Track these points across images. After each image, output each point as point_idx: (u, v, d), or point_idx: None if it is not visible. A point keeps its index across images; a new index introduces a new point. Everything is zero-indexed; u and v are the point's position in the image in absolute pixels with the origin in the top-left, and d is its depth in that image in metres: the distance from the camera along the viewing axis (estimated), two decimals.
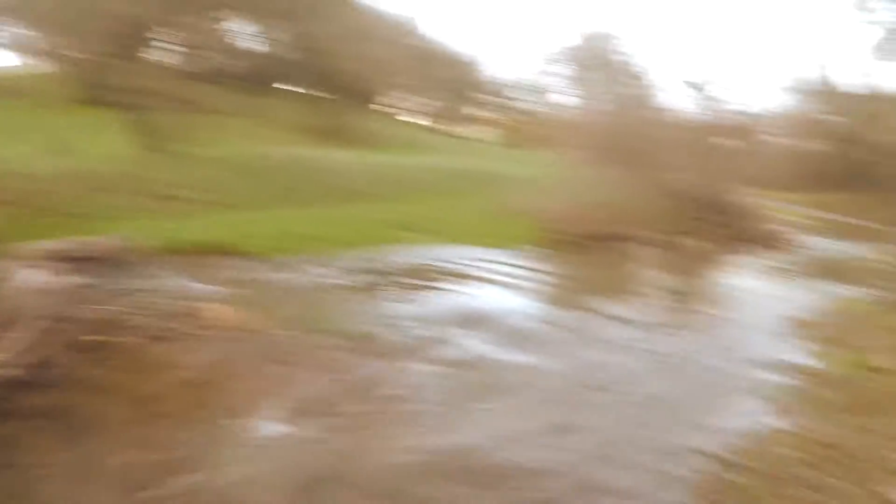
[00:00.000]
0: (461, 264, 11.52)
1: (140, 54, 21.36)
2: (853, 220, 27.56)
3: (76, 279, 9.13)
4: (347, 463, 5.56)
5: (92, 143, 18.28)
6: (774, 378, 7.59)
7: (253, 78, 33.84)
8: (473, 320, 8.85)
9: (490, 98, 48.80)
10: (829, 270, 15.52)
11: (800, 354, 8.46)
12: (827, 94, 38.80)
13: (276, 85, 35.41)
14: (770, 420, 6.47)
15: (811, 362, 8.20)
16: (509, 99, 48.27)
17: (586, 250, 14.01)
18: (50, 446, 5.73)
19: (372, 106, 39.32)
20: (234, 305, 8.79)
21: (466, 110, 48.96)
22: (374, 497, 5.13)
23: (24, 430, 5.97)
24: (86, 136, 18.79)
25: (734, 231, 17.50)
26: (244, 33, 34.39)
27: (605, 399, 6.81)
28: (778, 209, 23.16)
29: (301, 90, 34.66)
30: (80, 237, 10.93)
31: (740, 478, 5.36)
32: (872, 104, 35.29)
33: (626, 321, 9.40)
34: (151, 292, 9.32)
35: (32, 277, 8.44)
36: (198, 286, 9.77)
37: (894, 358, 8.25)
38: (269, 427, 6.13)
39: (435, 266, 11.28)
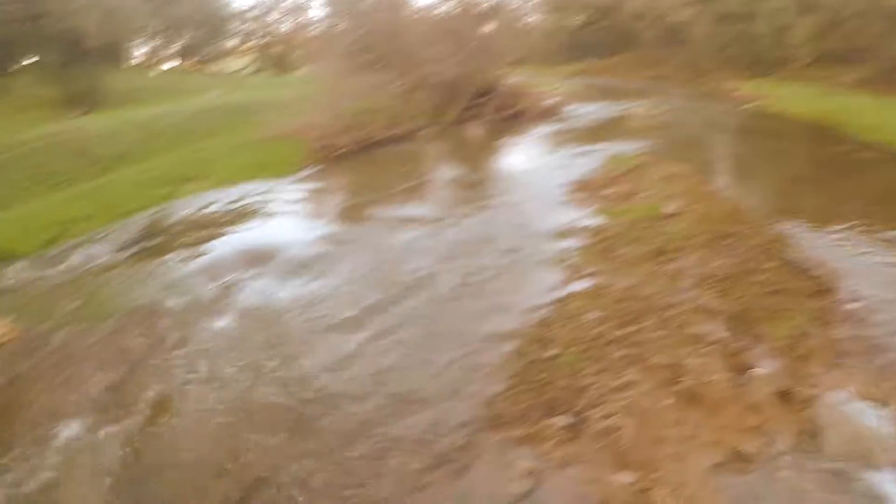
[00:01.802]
0: (238, 204, 11.01)
1: None
2: (619, 82, 29.04)
3: None
4: (160, 445, 5.26)
5: None
6: (569, 244, 7.79)
7: None
8: (261, 259, 8.44)
9: (244, 26, 46.52)
10: (603, 132, 16.24)
11: (590, 216, 8.75)
12: None
13: (9, 64, 31.58)
14: (568, 287, 6.62)
15: (602, 221, 8.49)
16: (264, 23, 46.24)
17: (359, 160, 13.81)
18: None
19: (120, 60, 36.27)
20: (13, 316, 7.87)
21: (222, 44, 46.44)
22: (189, 470, 4.93)
23: None
24: None
25: (507, 112, 17.81)
26: None
27: (405, 306, 6.72)
28: (547, 83, 23.92)
29: (38, 62, 31.13)
30: None
31: (550, 350, 5.44)
32: None
33: (411, 222, 9.32)
34: None
35: None
36: None
37: (679, 202, 8.70)
38: (76, 432, 5.62)
39: (212, 212, 10.71)
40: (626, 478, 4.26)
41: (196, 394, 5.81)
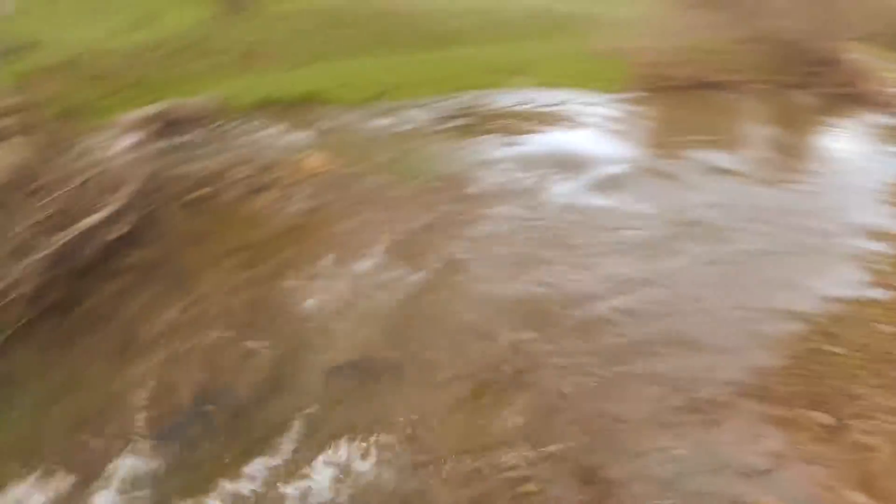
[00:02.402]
0: (556, 107, 11.29)
1: None
2: None
3: (172, 141, 9.43)
4: (436, 303, 5.81)
5: (170, 12, 18.22)
6: (876, 246, 7.19)
7: None
8: (569, 164, 8.71)
9: None
10: None
11: None
12: None
13: None
14: (869, 291, 6.20)
15: None
16: None
17: (683, 96, 13.26)
18: (156, 298, 6.12)
19: None
20: (330, 153, 8.91)
21: None
22: (459, 334, 5.39)
23: (133, 285, 6.38)
24: (163, 7, 18.73)
25: (840, 88, 16.35)
26: None
27: (698, 250, 6.72)
28: (890, 69, 21.58)
29: None
30: (171, 102, 11.10)
31: (834, 347, 5.25)
32: None
33: (722, 171, 9.06)
34: (247, 147, 9.52)
35: (131, 143, 8.75)
36: (291, 137, 9.87)
37: None
38: (366, 268, 6.39)
39: (530, 109, 11.11)
40: (861, 500, 4.13)
41: (483, 266, 6.34)
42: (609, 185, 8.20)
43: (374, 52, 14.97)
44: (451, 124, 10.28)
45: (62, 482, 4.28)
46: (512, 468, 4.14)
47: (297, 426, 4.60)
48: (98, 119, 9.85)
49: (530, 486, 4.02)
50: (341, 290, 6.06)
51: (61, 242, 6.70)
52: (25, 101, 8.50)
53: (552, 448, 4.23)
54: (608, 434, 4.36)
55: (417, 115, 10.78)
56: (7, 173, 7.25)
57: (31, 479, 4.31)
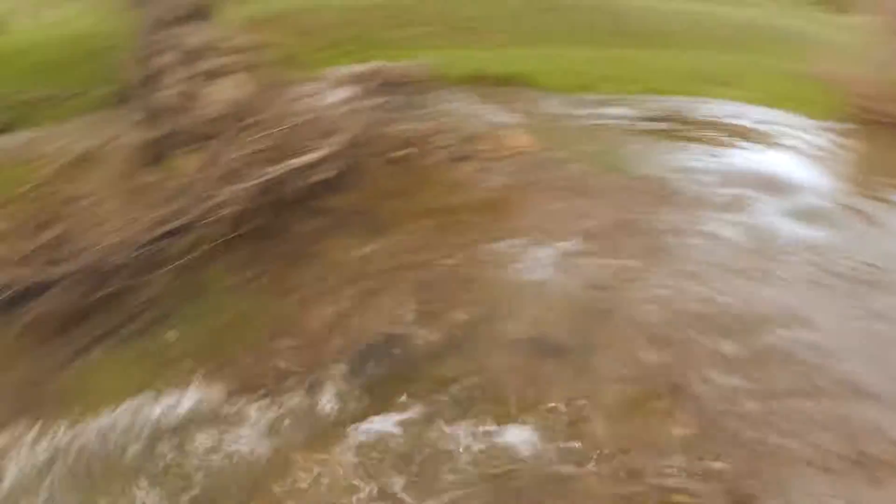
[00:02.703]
0: (761, 125, 10.97)
1: None
2: None
3: (383, 100, 9.95)
4: (622, 300, 5.96)
5: None
6: None
7: None
8: (767, 186, 8.51)
9: None
10: None
11: None
12: None
13: None
14: None
15: None
16: None
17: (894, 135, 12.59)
18: (350, 242, 6.57)
19: None
20: (532, 135, 9.15)
21: None
22: (634, 334, 5.53)
23: (330, 225, 6.88)
24: None
25: None
26: None
27: (884, 299, 6.37)
28: None
29: None
30: (383, 62, 11.65)
31: None
32: None
33: None
34: (452, 116, 9.91)
35: (344, 96, 9.33)
36: (496, 114, 10.24)
37: None
38: (554, 253, 6.63)
39: (732, 122, 10.92)
40: None
41: (668, 272, 6.43)
42: (805, 215, 7.96)
43: (582, 42, 15.11)
44: (653, 125, 10.28)
45: (227, 394, 4.80)
46: (667, 476, 4.25)
47: (464, 388, 4.91)
48: (312, 70, 10.53)
49: (682, 498, 4.12)
50: (528, 268, 6.39)
51: (269, 175, 7.28)
52: (250, 43, 9.16)
53: (710, 465, 4.32)
54: (768, 465, 4.41)
55: (620, 112, 10.85)
56: (228, 105, 7.92)
57: (200, 386, 4.77)
